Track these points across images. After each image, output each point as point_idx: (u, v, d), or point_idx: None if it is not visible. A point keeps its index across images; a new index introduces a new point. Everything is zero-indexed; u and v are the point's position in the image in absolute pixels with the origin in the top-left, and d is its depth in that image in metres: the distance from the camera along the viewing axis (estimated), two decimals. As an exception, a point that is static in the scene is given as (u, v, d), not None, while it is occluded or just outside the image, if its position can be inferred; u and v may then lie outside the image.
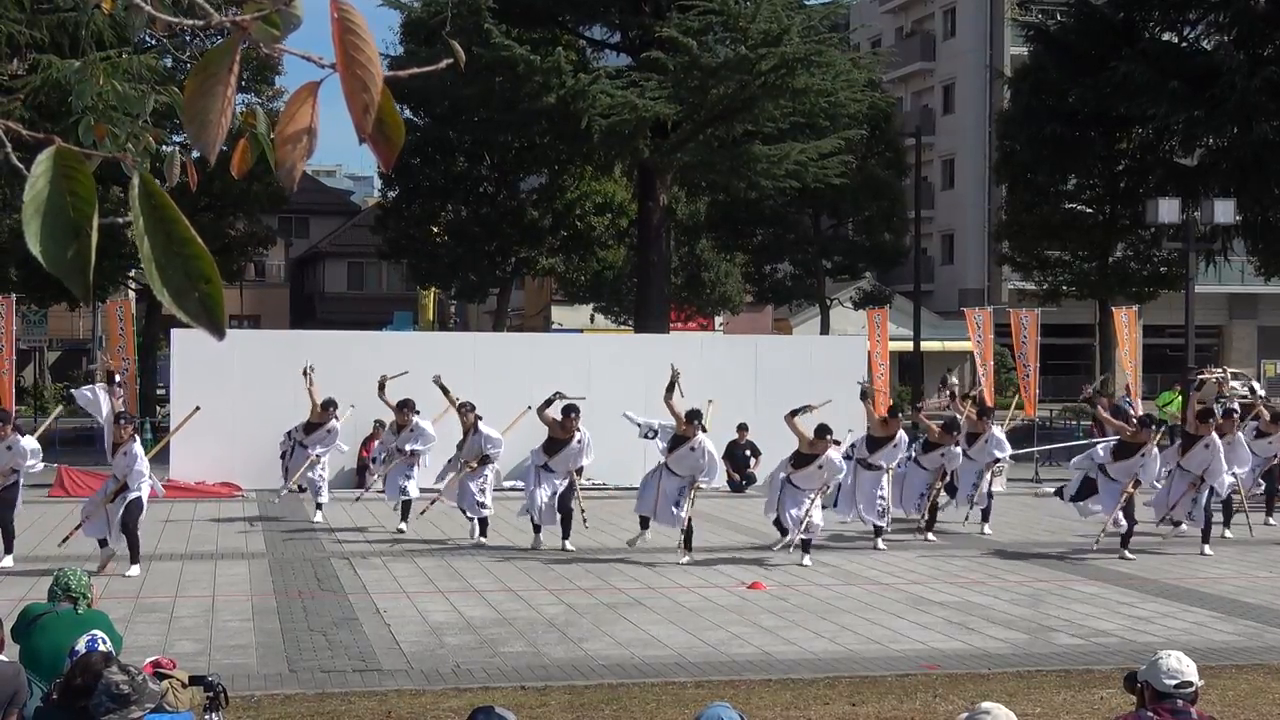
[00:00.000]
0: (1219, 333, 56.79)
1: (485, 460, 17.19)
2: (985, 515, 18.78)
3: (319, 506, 19.07)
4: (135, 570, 14.52)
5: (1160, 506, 17.39)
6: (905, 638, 12.06)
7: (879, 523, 17.15)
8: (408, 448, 18.02)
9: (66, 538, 15.42)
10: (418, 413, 18.25)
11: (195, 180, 3.30)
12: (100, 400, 15.65)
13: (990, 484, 19.05)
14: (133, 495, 14.71)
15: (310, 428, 19.25)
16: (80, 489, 21.55)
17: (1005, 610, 13.38)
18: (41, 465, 15.57)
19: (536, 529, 16.84)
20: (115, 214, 1.99)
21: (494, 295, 44.67)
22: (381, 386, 19.39)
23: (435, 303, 61.14)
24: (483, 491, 17.12)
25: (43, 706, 6.33)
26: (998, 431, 19.13)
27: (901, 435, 17.57)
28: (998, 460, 19.09)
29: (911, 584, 14.79)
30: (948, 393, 20.51)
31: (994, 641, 11.97)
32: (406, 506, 17.98)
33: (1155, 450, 16.65)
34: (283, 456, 19.70)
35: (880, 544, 17.06)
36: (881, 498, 17.13)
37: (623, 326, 43.98)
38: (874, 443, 17.51)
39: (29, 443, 15.19)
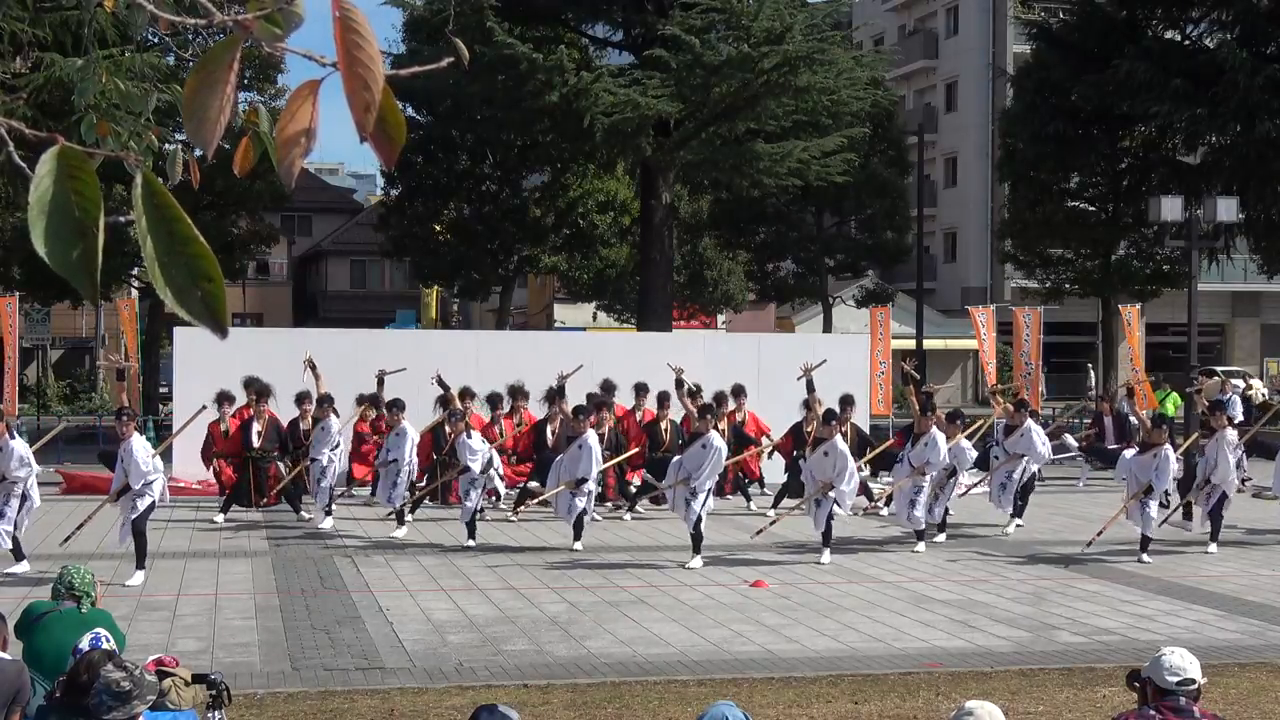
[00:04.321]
0: (1222, 331, 56.75)
1: (465, 470, 16.94)
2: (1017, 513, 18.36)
3: (328, 513, 18.30)
4: (138, 578, 14.03)
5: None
6: (908, 636, 12.06)
7: (918, 525, 16.82)
8: (391, 456, 17.78)
9: (69, 537, 15.40)
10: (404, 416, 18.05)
11: (197, 178, 3.30)
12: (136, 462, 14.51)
13: (1020, 482, 18.39)
14: (141, 501, 14.23)
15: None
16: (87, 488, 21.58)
17: (1008, 608, 13.38)
18: (33, 476, 14.68)
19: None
20: (118, 212, 1.99)
21: (497, 293, 44.70)
22: (380, 382, 19.34)
23: (438, 301, 61.22)
24: (466, 495, 16.99)
25: (45, 705, 6.33)
26: (1033, 426, 18.59)
27: (935, 433, 16.96)
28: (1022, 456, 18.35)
29: (914, 582, 14.79)
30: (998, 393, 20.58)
31: (996, 640, 11.98)
32: (400, 514, 17.83)
33: (1169, 452, 16.32)
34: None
35: (920, 547, 16.69)
36: (915, 500, 16.72)
37: (625, 325, 43.98)
38: (913, 438, 17.37)
39: (21, 448, 14.61)
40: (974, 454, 17.94)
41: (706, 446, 15.62)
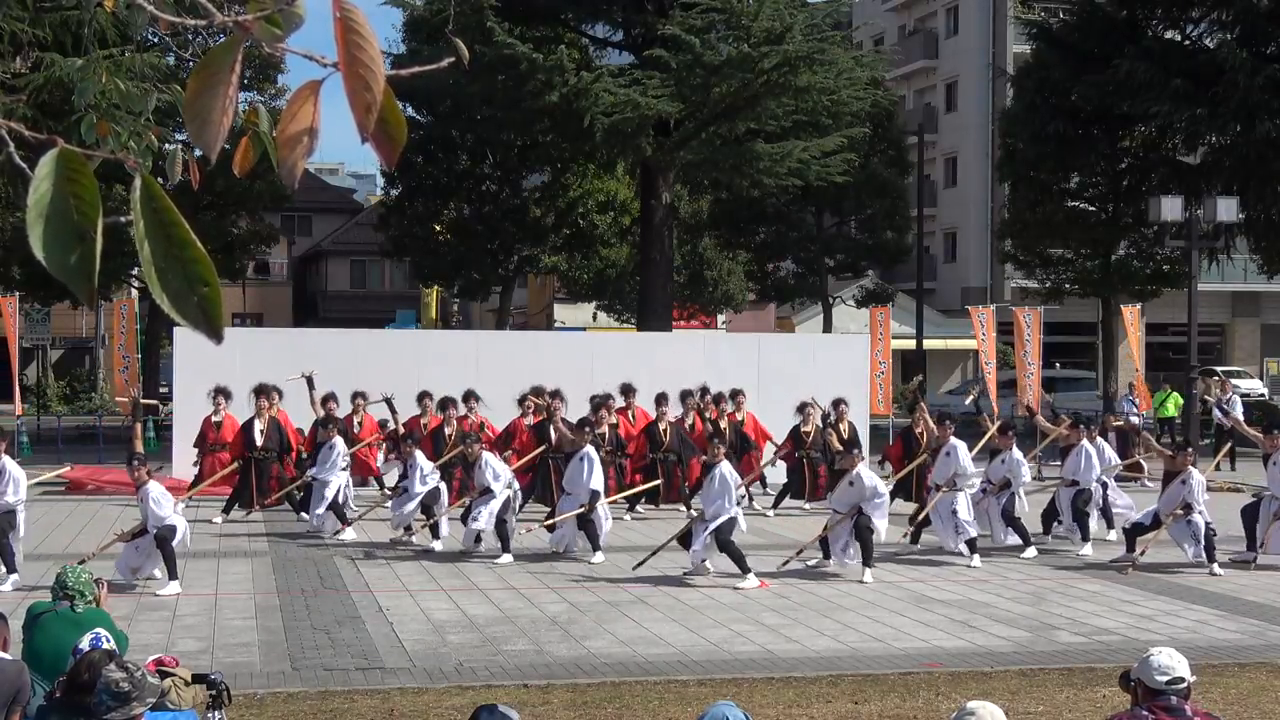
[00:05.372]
0: (1222, 331, 56.73)
1: (487, 491, 16.12)
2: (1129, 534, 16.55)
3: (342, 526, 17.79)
4: (175, 587, 13.58)
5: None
6: (908, 636, 12.06)
7: (965, 541, 16.11)
8: (403, 484, 17.32)
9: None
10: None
11: (198, 178, 3.30)
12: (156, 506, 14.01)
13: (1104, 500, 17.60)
14: (162, 526, 13.71)
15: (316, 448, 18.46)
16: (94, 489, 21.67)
17: (1008, 608, 13.38)
18: (21, 503, 14.28)
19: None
20: (117, 212, 1.98)
21: (497, 293, 44.70)
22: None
23: (438, 301, 61.19)
24: (475, 518, 16.22)
25: (45, 705, 6.33)
26: (1088, 447, 17.46)
27: (954, 442, 16.39)
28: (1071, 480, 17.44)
29: (914, 582, 14.78)
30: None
31: (997, 639, 11.98)
32: (435, 527, 17.30)
33: (1195, 474, 15.73)
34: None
35: (976, 561, 15.87)
36: (955, 514, 16.16)
37: (625, 325, 43.98)
38: (932, 453, 16.91)
39: (15, 470, 14.23)
40: (1028, 468, 16.95)
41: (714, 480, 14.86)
